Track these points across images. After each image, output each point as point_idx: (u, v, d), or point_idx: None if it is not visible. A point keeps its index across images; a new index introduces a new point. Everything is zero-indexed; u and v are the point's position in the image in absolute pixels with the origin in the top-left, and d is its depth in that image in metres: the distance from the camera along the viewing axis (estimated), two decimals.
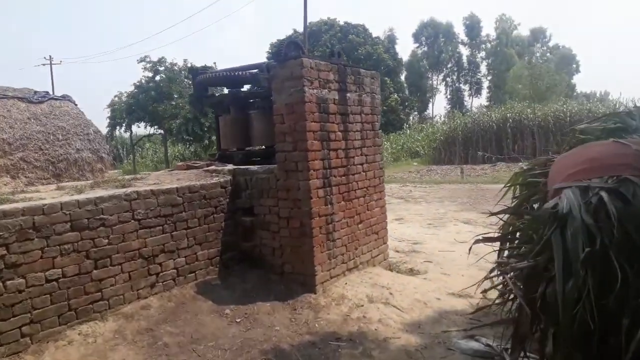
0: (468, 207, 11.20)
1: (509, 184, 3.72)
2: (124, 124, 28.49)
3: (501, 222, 3.30)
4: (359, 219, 5.24)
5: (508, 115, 28.26)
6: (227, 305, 4.41)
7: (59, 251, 3.71)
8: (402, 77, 48.84)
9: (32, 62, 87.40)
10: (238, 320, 4.19)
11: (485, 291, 2.96)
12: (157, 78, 26.77)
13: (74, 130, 13.19)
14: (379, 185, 5.61)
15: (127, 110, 27.04)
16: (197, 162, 5.71)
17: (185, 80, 26.14)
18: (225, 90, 6.31)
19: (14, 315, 3.45)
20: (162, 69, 26.65)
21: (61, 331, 3.70)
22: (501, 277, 3.55)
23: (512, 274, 2.99)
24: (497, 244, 3.22)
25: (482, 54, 57.94)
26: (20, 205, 3.57)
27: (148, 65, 26.47)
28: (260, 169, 5.00)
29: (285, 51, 4.93)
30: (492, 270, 3.71)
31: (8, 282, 3.42)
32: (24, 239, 3.51)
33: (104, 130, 26.76)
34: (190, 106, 7.21)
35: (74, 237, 3.80)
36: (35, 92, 13.64)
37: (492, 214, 3.95)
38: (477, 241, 3.71)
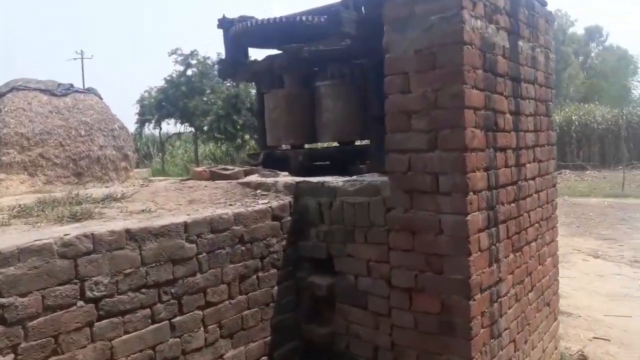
0: (577, 230, 8.54)
1: None
2: (153, 121, 26.74)
3: None
4: (530, 283, 2.74)
5: (573, 117, 25.79)
6: None
7: None
8: None
9: (64, 56, 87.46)
10: None
11: None
12: (189, 72, 24.94)
13: (97, 125, 11.20)
14: (552, 218, 3.10)
15: (156, 106, 25.31)
16: (229, 167, 3.29)
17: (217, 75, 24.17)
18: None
19: None
20: (194, 62, 24.76)
21: None
22: None
23: None
24: None
25: None
26: None
27: (179, 59, 24.67)
28: (352, 185, 2.53)
29: None
30: None
31: None
32: None
33: (132, 127, 25.09)
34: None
35: None
36: (59, 84, 11.71)
37: None
38: None
